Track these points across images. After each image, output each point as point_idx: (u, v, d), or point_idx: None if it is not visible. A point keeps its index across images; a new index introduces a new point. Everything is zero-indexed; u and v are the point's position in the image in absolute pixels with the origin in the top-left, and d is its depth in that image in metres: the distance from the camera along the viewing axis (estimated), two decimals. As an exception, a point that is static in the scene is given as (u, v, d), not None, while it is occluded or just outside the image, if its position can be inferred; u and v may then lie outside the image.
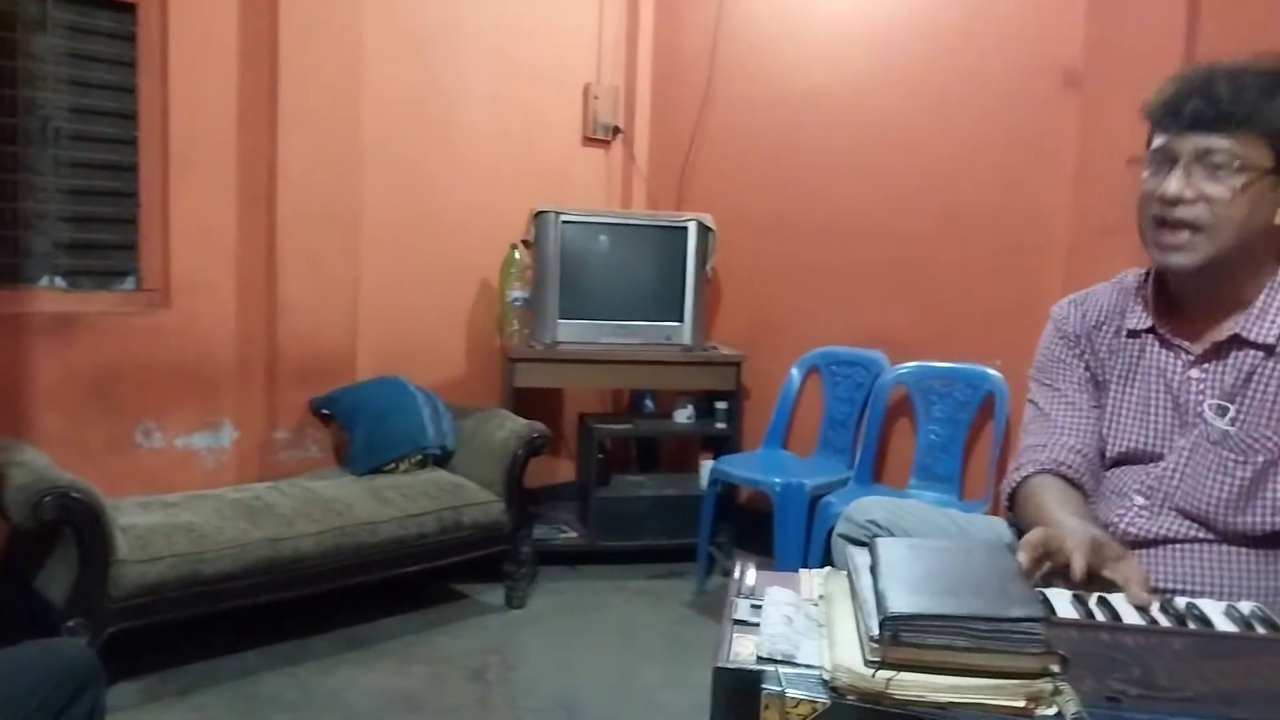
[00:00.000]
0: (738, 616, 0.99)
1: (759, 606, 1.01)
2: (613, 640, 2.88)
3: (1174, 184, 1.27)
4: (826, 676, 0.86)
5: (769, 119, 3.67)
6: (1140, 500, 1.38)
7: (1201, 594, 1.29)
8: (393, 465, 2.97)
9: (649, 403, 3.93)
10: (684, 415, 3.64)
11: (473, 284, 3.65)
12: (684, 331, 3.45)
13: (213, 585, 2.36)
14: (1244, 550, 1.30)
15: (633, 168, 4.03)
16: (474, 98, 3.58)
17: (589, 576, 3.37)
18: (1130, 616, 1.07)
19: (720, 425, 3.55)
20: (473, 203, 3.59)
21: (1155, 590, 1.29)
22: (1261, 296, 1.31)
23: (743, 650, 0.92)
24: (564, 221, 3.33)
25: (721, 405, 3.55)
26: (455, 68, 3.52)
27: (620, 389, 4.06)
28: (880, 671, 0.84)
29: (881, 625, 0.86)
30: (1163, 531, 1.35)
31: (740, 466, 3.29)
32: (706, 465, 3.44)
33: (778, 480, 3.04)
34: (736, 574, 1.14)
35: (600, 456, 3.51)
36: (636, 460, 3.99)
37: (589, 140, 3.93)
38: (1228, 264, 1.30)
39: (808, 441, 3.52)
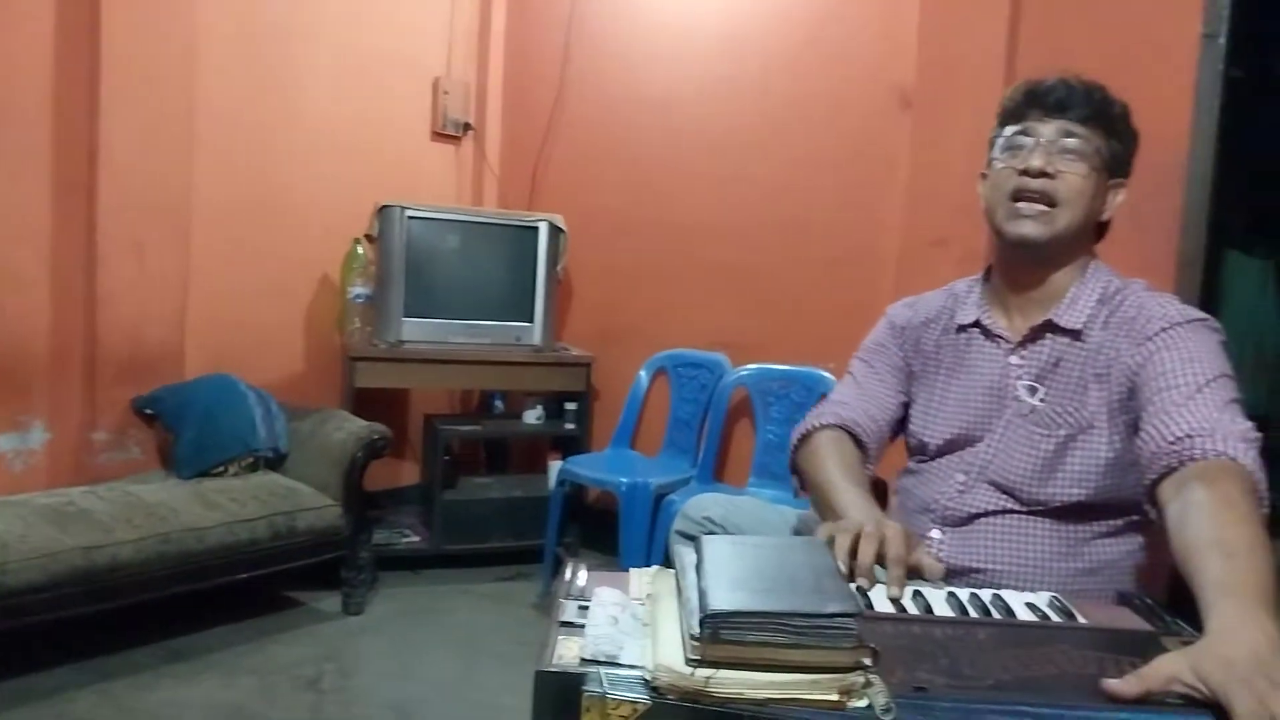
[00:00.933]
0: (563, 618, 0.99)
1: (586, 607, 1.01)
2: (454, 645, 2.83)
3: (1038, 158, 1.39)
4: (648, 677, 0.86)
5: (621, 121, 3.70)
6: (960, 478, 1.48)
7: (1007, 570, 1.39)
8: (221, 468, 2.83)
9: (499, 403, 3.89)
10: (533, 416, 3.62)
11: (312, 279, 3.52)
12: (534, 332, 3.43)
13: (16, 598, 2.17)
14: (1046, 523, 1.40)
15: (484, 165, 3.99)
16: (318, 86, 3.45)
17: (432, 581, 3.30)
18: (941, 609, 1.13)
19: (569, 426, 3.55)
20: (315, 195, 3.46)
21: (967, 570, 1.40)
22: (1073, 287, 1.45)
23: (566, 653, 0.91)
24: (410, 217, 3.26)
25: (571, 406, 3.55)
26: (298, 53, 3.39)
27: (470, 389, 4.00)
28: (699, 670, 0.85)
29: (702, 623, 0.87)
30: (977, 505, 1.44)
31: (588, 467, 3.30)
32: (555, 466, 3.44)
33: (623, 480, 3.06)
34: (567, 575, 1.13)
35: (446, 458, 3.44)
36: (485, 462, 3.94)
37: (438, 135, 3.86)
38: (1060, 251, 1.43)
39: (655, 442, 3.56)
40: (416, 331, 3.29)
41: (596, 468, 3.30)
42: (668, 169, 3.59)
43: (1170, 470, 1.17)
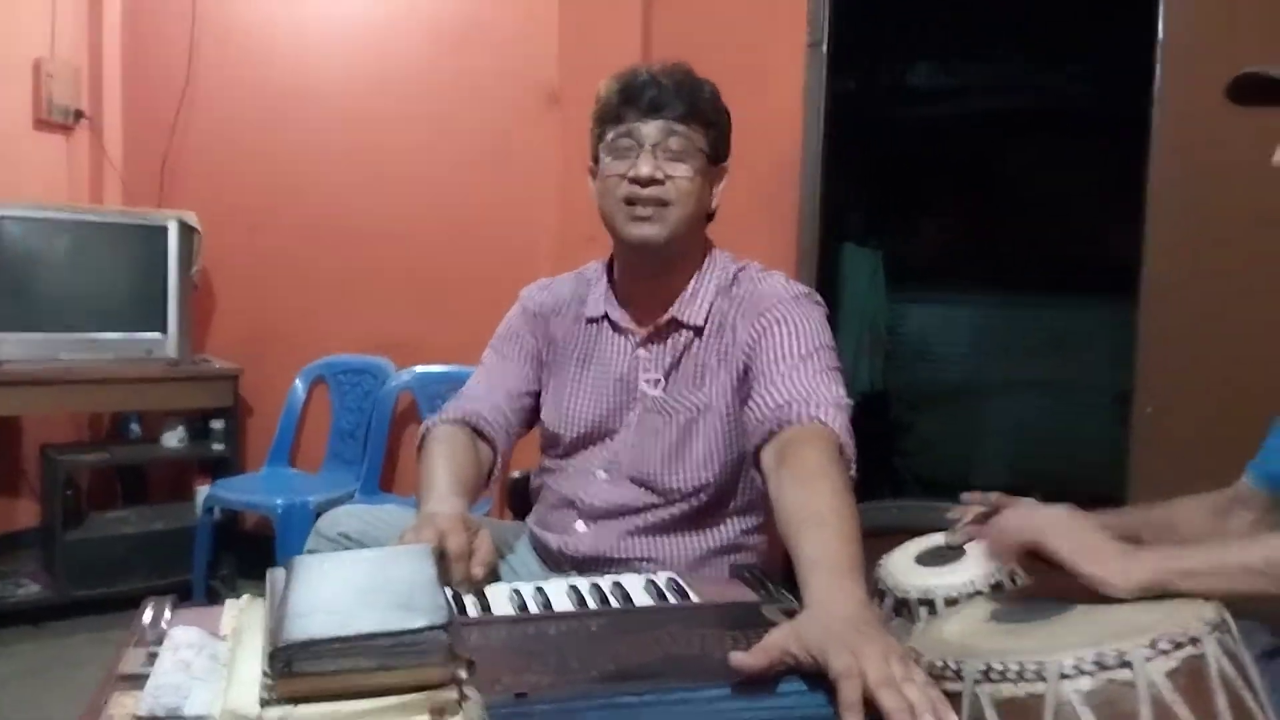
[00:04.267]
0: (123, 671, 0.86)
1: (156, 654, 0.89)
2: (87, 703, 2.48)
3: (646, 166, 1.37)
4: (214, 725, 0.76)
5: (258, 112, 3.43)
6: (602, 474, 1.48)
7: (647, 560, 1.41)
8: None
9: (135, 427, 3.49)
10: (175, 438, 3.27)
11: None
12: (168, 343, 3.10)
13: None
14: (684, 512, 1.44)
15: (103, 158, 3.54)
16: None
17: (59, 634, 2.90)
18: (561, 602, 1.11)
19: (217, 446, 3.25)
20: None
21: (610, 559, 1.41)
22: (692, 284, 1.47)
23: (119, 711, 0.79)
24: (2, 217, 2.82)
25: (218, 424, 3.25)
26: None
27: (99, 412, 3.55)
28: (269, 710, 0.76)
29: (272, 657, 0.78)
30: (620, 499, 1.45)
31: (238, 490, 3.05)
32: (203, 491, 3.13)
33: (278, 501, 2.85)
34: (145, 618, 0.99)
35: (69, 493, 3.03)
36: (121, 493, 3.51)
37: (43, 124, 3.37)
38: (676, 249, 1.44)
39: (317, 456, 3.35)
40: (18, 349, 2.86)
41: (249, 490, 3.05)
42: (317, 163, 3.37)
43: (770, 435, 1.23)
